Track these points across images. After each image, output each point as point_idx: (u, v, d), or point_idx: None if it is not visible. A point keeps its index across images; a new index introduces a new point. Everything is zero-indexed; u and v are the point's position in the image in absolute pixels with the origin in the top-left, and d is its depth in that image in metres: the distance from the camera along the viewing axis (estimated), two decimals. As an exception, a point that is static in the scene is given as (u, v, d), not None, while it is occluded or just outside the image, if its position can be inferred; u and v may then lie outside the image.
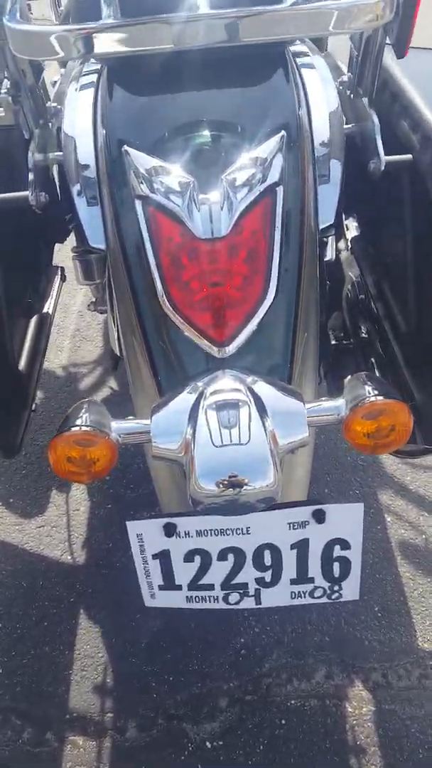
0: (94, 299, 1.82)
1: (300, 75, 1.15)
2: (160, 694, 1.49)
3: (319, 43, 1.55)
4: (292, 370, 1.01)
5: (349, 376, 0.99)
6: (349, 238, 1.65)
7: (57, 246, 1.69)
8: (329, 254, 1.30)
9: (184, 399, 0.95)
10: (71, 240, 1.66)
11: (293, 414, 0.92)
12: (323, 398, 0.96)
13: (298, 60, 1.18)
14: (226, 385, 0.94)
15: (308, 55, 1.22)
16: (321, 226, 1.08)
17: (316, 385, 1.10)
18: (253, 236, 0.97)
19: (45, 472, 1.92)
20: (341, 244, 1.74)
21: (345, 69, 1.24)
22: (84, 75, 1.25)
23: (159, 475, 1.08)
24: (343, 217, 1.44)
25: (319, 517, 0.97)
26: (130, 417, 0.98)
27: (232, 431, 0.89)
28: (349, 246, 1.65)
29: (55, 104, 1.22)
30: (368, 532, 1.81)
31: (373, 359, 1.52)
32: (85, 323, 2.49)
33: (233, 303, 0.97)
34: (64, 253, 1.74)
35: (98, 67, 1.23)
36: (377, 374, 1.50)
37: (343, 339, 1.63)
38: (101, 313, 1.87)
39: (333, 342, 1.61)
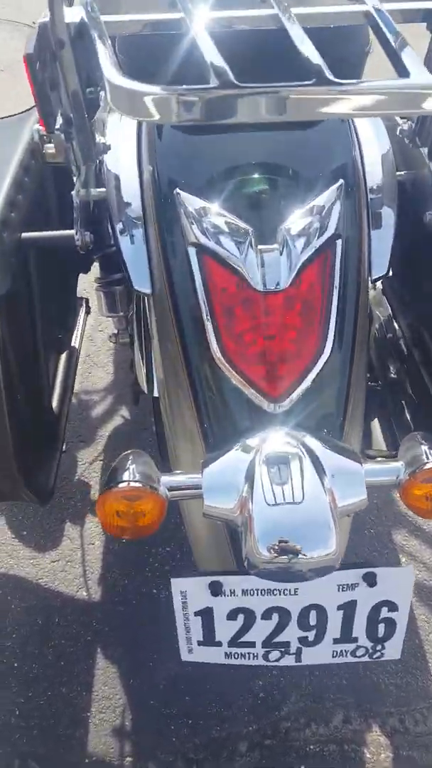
0: (116, 331, 1.79)
1: (351, 120, 1.13)
2: (179, 737, 1.45)
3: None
4: (343, 428, 0.99)
5: (406, 436, 0.97)
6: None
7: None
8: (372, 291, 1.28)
9: (239, 455, 0.92)
10: (94, 270, 1.64)
11: (351, 475, 0.90)
12: (379, 458, 0.94)
13: None
14: (282, 442, 0.92)
15: None
16: (374, 276, 1.07)
17: (361, 438, 1.08)
18: (310, 289, 0.95)
19: (59, 504, 1.88)
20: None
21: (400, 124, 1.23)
22: None
23: (197, 532, 1.05)
24: None
25: (370, 580, 0.95)
26: (178, 471, 0.96)
27: (293, 491, 0.87)
28: (379, 286, 1.63)
29: (105, 141, 1.20)
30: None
31: (403, 402, 1.51)
32: (95, 348, 2.46)
33: (288, 357, 0.95)
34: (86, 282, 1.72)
35: None
36: (407, 415, 1.49)
37: (371, 380, 1.61)
38: (122, 345, 1.84)
39: None
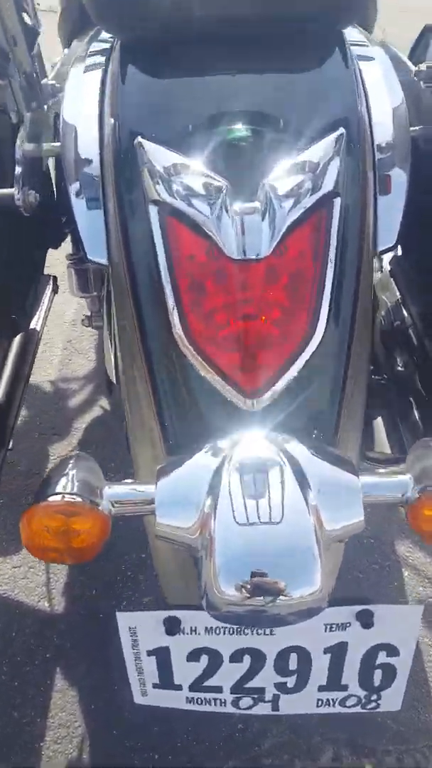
0: (89, 313, 1.61)
1: (357, 66, 0.94)
2: (144, 775, 1.28)
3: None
4: (337, 430, 0.81)
5: (417, 441, 0.78)
6: (386, 258, 1.45)
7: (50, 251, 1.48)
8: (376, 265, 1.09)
9: (203, 461, 0.74)
10: (67, 245, 1.45)
11: (344, 490, 0.71)
12: (381, 470, 0.75)
13: (353, 49, 0.97)
14: (258, 446, 0.74)
15: (365, 45, 1.01)
16: (380, 248, 0.88)
17: (361, 448, 0.89)
18: (299, 258, 0.76)
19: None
20: (375, 263, 1.54)
21: (407, 61, 1.03)
22: (91, 55, 1.04)
23: (162, 555, 0.87)
24: None
25: (365, 619, 0.76)
26: (128, 480, 0.77)
27: (268, 508, 0.69)
28: (387, 267, 1.44)
29: (53, 83, 1.01)
30: (383, 588, 1.60)
31: (411, 398, 1.32)
32: (77, 334, 2.28)
33: (270, 342, 0.77)
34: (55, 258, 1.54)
35: (108, 46, 1.02)
36: (416, 413, 1.30)
37: (374, 373, 1.42)
38: (96, 329, 1.65)
39: None
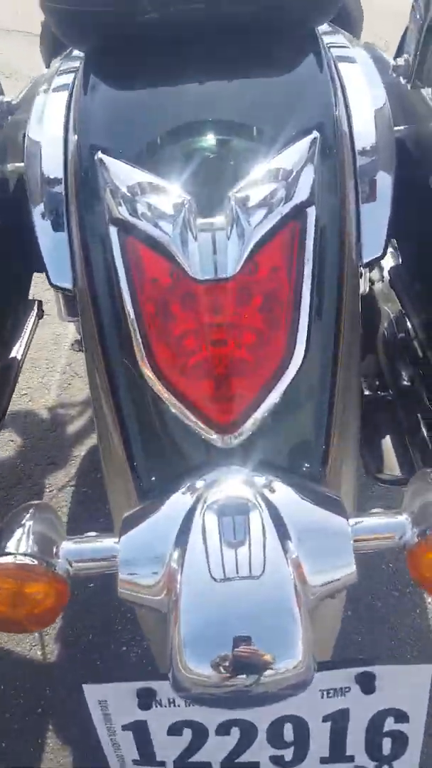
0: (78, 337, 1.53)
1: (335, 66, 0.86)
2: None
3: (352, 32, 1.27)
4: (326, 464, 0.71)
5: (414, 474, 0.69)
6: (387, 267, 1.36)
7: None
8: (362, 287, 1.01)
9: (170, 509, 0.65)
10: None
11: (332, 536, 0.62)
12: (375, 510, 0.66)
13: (332, 51, 0.90)
14: (231, 489, 0.65)
15: (345, 46, 0.94)
16: (365, 260, 0.79)
17: (357, 483, 0.79)
18: (273, 276, 0.68)
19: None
20: (374, 273, 1.45)
21: (392, 62, 0.95)
22: (60, 74, 0.99)
23: (148, 616, 0.78)
24: None
25: (367, 684, 0.66)
26: (91, 533, 0.69)
27: (248, 561, 0.60)
28: (387, 276, 1.35)
29: (9, 100, 0.95)
30: (404, 617, 1.49)
31: (418, 414, 1.22)
32: (77, 357, 2.20)
33: (244, 369, 0.68)
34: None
35: (77, 64, 0.96)
36: (424, 431, 1.21)
37: (379, 389, 1.33)
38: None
39: (366, 392, 1.31)
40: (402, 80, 0.87)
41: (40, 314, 1.41)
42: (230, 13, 0.78)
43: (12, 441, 1.89)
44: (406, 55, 0.85)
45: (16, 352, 1.25)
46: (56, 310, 1.43)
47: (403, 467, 1.17)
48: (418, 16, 0.79)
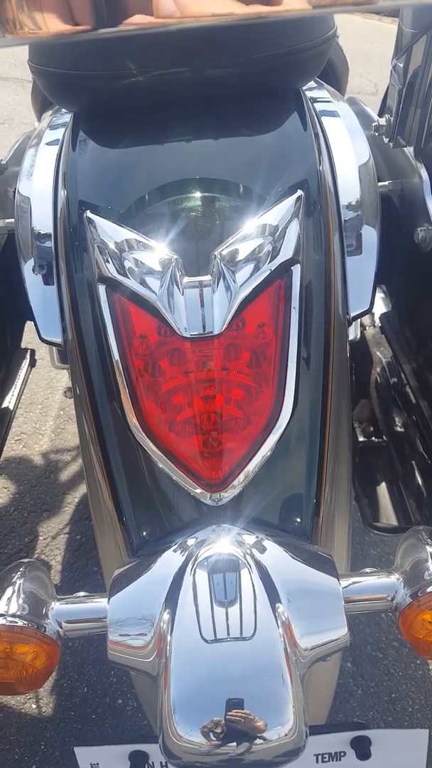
0: (71, 384, 1.54)
1: (320, 123, 0.89)
2: None
3: (338, 88, 1.31)
4: (317, 518, 0.71)
5: (406, 532, 0.68)
6: (377, 314, 1.37)
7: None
8: (353, 333, 1.02)
9: (159, 568, 0.65)
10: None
11: (323, 598, 0.62)
12: (367, 570, 0.66)
13: (316, 106, 0.93)
14: (220, 549, 0.64)
15: (329, 101, 0.97)
16: (352, 314, 0.80)
17: (350, 536, 0.79)
18: (260, 332, 0.69)
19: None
20: (366, 319, 1.47)
21: (375, 117, 0.98)
22: (50, 129, 1.01)
23: (141, 678, 0.77)
24: None
25: (362, 749, 0.65)
26: (80, 593, 0.68)
27: (240, 623, 0.59)
28: (377, 323, 1.37)
29: (0, 159, 0.97)
30: (405, 669, 1.46)
31: (413, 461, 1.22)
32: (71, 401, 2.21)
33: (232, 426, 0.69)
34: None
35: (67, 119, 0.99)
36: (419, 479, 1.20)
37: (373, 435, 1.33)
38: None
39: (361, 439, 1.31)
40: (385, 139, 0.90)
41: (33, 363, 1.41)
42: (215, 76, 0.81)
43: (6, 488, 1.88)
44: (387, 116, 0.88)
45: (8, 402, 1.25)
46: (49, 357, 1.45)
47: (399, 515, 1.16)
48: (397, 81, 0.82)
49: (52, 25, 0.46)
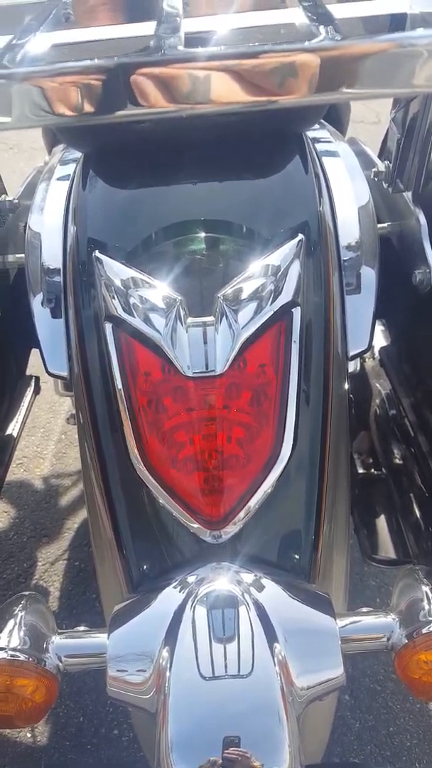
0: (74, 411, 1.55)
1: (321, 164, 0.92)
2: None
3: (339, 128, 1.35)
4: (315, 557, 0.72)
5: (402, 572, 0.69)
6: (377, 347, 1.39)
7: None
8: (353, 366, 1.04)
9: (159, 605, 0.66)
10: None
11: (320, 637, 0.62)
12: (364, 609, 0.67)
13: (317, 147, 0.95)
14: (219, 587, 0.65)
15: (330, 141, 1.00)
16: (351, 353, 0.82)
17: (347, 577, 0.80)
18: (260, 372, 0.71)
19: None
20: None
21: (375, 158, 1.01)
22: (61, 165, 1.04)
23: (139, 714, 0.77)
24: None
25: (357, 788, 0.65)
26: (80, 628, 0.69)
27: (237, 661, 0.60)
28: (377, 356, 1.38)
29: (11, 199, 1.00)
30: (405, 703, 1.45)
31: (411, 494, 1.23)
32: (73, 426, 2.22)
33: (233, 463, 0.70)
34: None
35: (77, 155, 1.02)
36: (417, 512, 1.21)
37: (373, 466, 1.34)
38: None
39: (360, 471, 1.32)
40: (384, 185, 0.92)
41: (37, 390, 1.43)
42: (220, 122, 0.83)
43: (6, 512, 1.89)
44: (386, 162, 0.91)
45: (12, 429, 1.27)
46: (53, 384, 1.47)
47: (398, 548, 1.17)
48: (395, 131, 0.85)
49: (68, 110, 0.49)
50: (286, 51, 0.48)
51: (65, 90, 0.49)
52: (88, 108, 0.50)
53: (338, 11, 0.59)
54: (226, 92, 0.46)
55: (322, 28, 0.51)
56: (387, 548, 1.19)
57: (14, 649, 0.63)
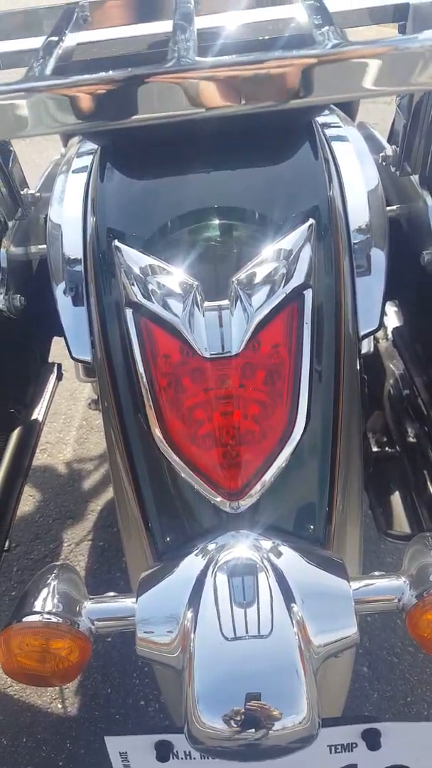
0: (96, 396, 1.60)
1: (330, 149, 0.94)
2: None
3: (349, 113, 1.37)
4: (329, 527, 0.76)
5: (412, 539, 0.73)
6: (390, 328, 1.42)
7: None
8: (366, 347, 1.07)
9: (182, 571, 0.70)
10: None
11: (334, 599, 0.67)
12: (376, 573, 0.70)
13: (327, 132, 0.98)
14: (239, 553, 0.70)
15: (339, 126, 1.02)
16: (362, 332, 0.85)
17: (361, 541, 0.84)
18: (274, 352, 0.74)
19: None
20: (380, 332, 1.51)
21: (384, 141, 1.03)
22: (78, 157, 1.07)
23: (164, 671, 0.82)
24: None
25: (372, 740, 0.70)
26: (110, 593, 0.74)
27: (253, 622, 0.65)
28: (390, 337, 1.41)
29: (33, 192, 1.03)
30: (423, 674, 1.50)
31: (425, 471, 1.26)
32: (93, 412, 2.28)
33: (249, 439, 0.74)
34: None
35: (94, 147, 1.05)
36: (430, 488, 1.24)
37: (387, 445, 1.37)
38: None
39: (375, 449, 1.35)
40: (392, 168, 0.95)
41: (60, 377, 1.48)
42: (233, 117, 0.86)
43: (31, 496, 1.95)
44: (394, 146, 0.93)
45: (38, 414, 1.31)
46: (74, 372, 1.51)
47: (412, 523, 1.20)
48: (401, 116, 0.87)
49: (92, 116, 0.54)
50: (291, 57, 0.52)
51: (89, 98, 0.53)
52: (110, 114, 0.54)
53: (343, 3, 0.62)
54: (237, 96, 0.50)
55: (325, 30, 0.55)
56: (401, 524, 1.22)
57: (49, 613, 0.68)
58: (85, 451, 2.14)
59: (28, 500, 1.94)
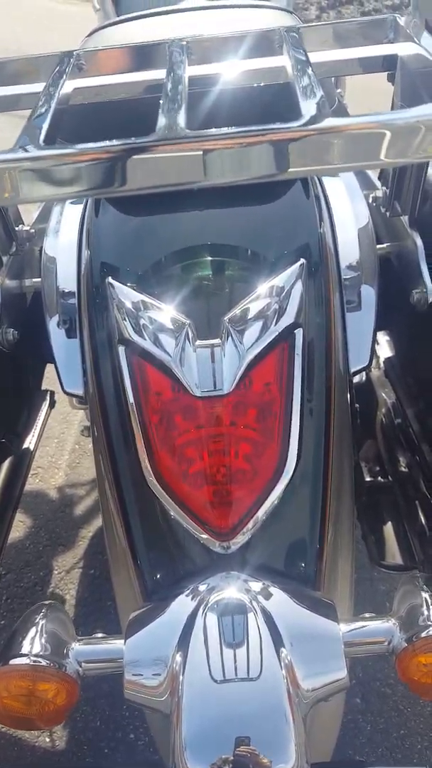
0: (87, 423, 1.60)
1: (321, 186, 0.96)
2: None
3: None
4: (320, 564, 0.76)
5: (402, 579, 0.73)
6: (381, 357, 1.43)
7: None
8: (358, 377, 1.07)
9: (173, 613, 0.70)
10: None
11: (323, 641, 0.66)
12: (366, 615, 0.70)
13: None
14: (228, 595, 0.69)
15: None
16: (353, 369, 0.85)
17: (353, 579, 0.84)
18: (265, 390, 0.74)
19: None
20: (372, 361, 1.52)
21: (375, 179, 1.05)
22: None
23: (155, 716, 0.81)
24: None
25: (363, 786, 0.69)
26: (99, 634, 0.73)
27: (246, 665, 0.64)
28: (382, 367, 1.42)
29: (28, 228, 1.05)
30: (415, 706, 1.48)
31: (416, 501, 1.26)
32: (87, 437, 2.27)
33: (240, 478, 0.74)
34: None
35: None
36: (422, 518, 1.24)
37: (379, 474, 1.37)
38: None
39: (367, 478, 1.35)
40: (382, 209, 0.96)
41: (52, 404, 1.47)
42: None
43: (22, 522, 1.93)
44: (384, 188, 0.95)
45: (29, 442, 1.31)
46: (67, 398, 1.51)
47: (404, 554, 1.20)
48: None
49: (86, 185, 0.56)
50: (276, 131, 0.55)
51: (77, 168, 0.55)
52: (99, 183, 0.56)
53: (333, 54, 0.64)
54: (226, 169, 0.52)
55: (310, 103, 0.58)
56: (394, 554, 1.22)
57: (36, 655, 0.67)
58: (78, 476, 2.12)
59: (19, 526, 1.92)
